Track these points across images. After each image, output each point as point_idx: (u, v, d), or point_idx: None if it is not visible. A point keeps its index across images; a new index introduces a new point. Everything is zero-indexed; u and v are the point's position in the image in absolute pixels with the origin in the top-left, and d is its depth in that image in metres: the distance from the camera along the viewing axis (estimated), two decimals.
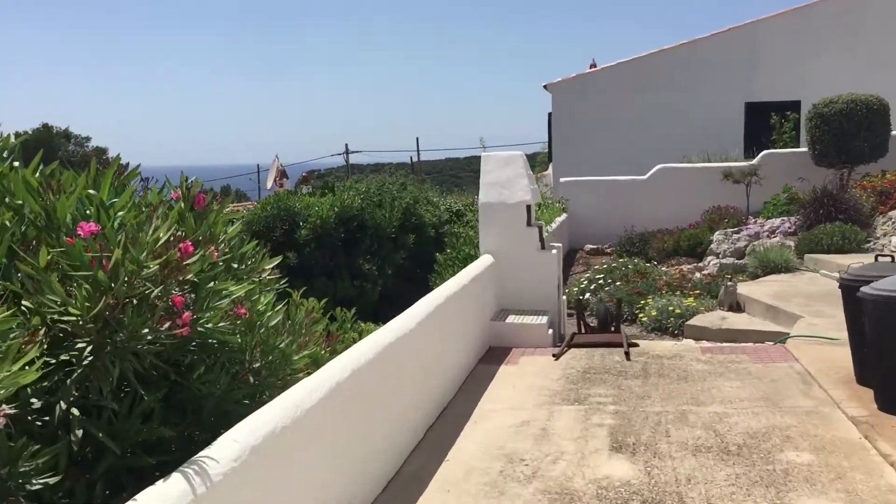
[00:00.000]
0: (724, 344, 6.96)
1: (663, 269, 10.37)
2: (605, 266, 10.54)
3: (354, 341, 6.36)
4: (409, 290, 9.61)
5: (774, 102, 17.78)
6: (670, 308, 8.28)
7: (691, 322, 7.89)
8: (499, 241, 7.21)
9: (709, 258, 10.79)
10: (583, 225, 15.00)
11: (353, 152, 48.67)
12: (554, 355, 6.20)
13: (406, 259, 9.57)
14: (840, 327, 6.74)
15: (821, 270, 9.34)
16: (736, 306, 8.35)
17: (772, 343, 6.79)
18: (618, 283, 9.75)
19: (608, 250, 14.51)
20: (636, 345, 6.66)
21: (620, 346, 6.44)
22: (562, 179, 15.65)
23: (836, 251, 9.83)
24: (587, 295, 9.80)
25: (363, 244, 9.35)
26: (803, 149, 14.31)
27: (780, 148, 16.00)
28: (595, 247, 14.60)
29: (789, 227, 11.38)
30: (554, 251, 7.28)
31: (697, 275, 9.81)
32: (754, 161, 14.61)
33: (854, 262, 9.36)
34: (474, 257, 8.47)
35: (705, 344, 7.05)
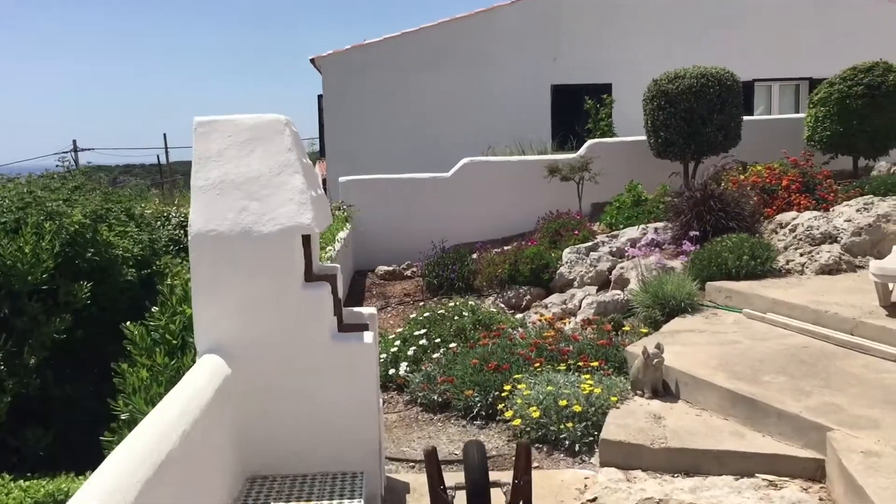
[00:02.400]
0: None
1: (517, 315, 6.78)
2: (424, 312, 6.72)
3: None
4: (83, 385, 5.15)
5: (584, 85, 15.20)
6: (561, 402, 4.69)
7: (610, 435, 4.34)
8: (239, 323, 3.12)
9: (574, 293, 7.41)
10: (372, 239, 11.20)
11: (83, 150, 41.07)
12: None
13: (74, 329, 5.07)
14: None
15: (744, 309, 6.28)
16: (663, 388, 4.97)
17: None
18: (451, 346, 6.02)
19: (409, 273, 10.83)
20: None
21: None
22: (342, 179, 11.71)
23: (747, 276, 6.87)
24: (402, 367, 5.98)
25: None
26: (639, 137, 11.61)
27: (598, 137, 13.32)
28: (390, 268, 10.86)
29: (661, 240, 8.38)
30: (368, 336, 3.32)
31: (573, 323, 6.34)
32: (581, 152, 11.70)
33: (779, 293, 6.46)
34: None
35: None
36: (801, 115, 11.26)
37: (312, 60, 15.38)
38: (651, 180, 10.62)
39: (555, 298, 7.64)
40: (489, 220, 11.33)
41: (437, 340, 6.12)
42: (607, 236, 9.47)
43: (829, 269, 6.99)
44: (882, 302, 5.58)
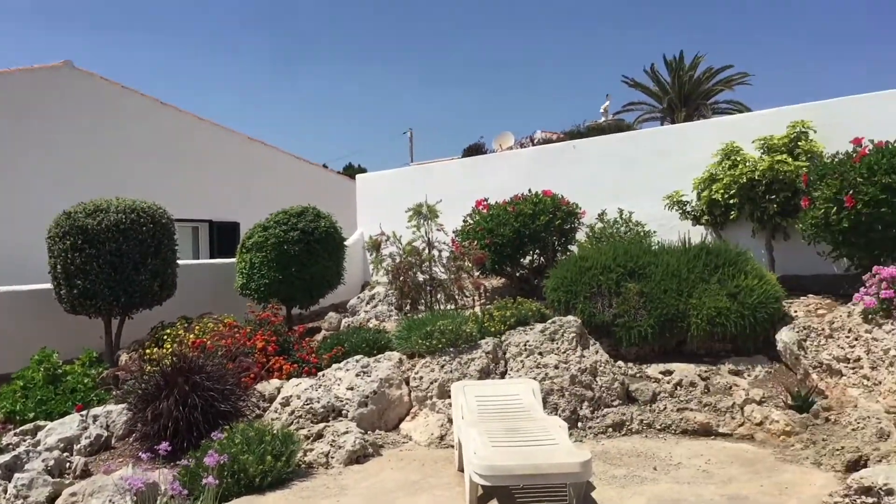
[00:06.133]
0: None
1: None
2: None
3: None
4: None
5: None
6: None
7: None
8: None
9: None
10: None
11: None
12: None
13: None
14: None
15: None
16: None
17: None
18: None
19: None
20: None
21: None
22: None
23: (272, 484, 5.00)
24: None
25: None
26: (41, 285, 8.70)
27: None
28: None
29: (111, 435, 5.85)
30: None
31: None
32: None
33: None
34: None
35: None
36: (233, 259, 10.09)
37: None
38: (60, 345, 7.93)
39: None
40: None
41: None
42: (15, 434, 6.43)
43: (358, 457, 5.68)
44: None
